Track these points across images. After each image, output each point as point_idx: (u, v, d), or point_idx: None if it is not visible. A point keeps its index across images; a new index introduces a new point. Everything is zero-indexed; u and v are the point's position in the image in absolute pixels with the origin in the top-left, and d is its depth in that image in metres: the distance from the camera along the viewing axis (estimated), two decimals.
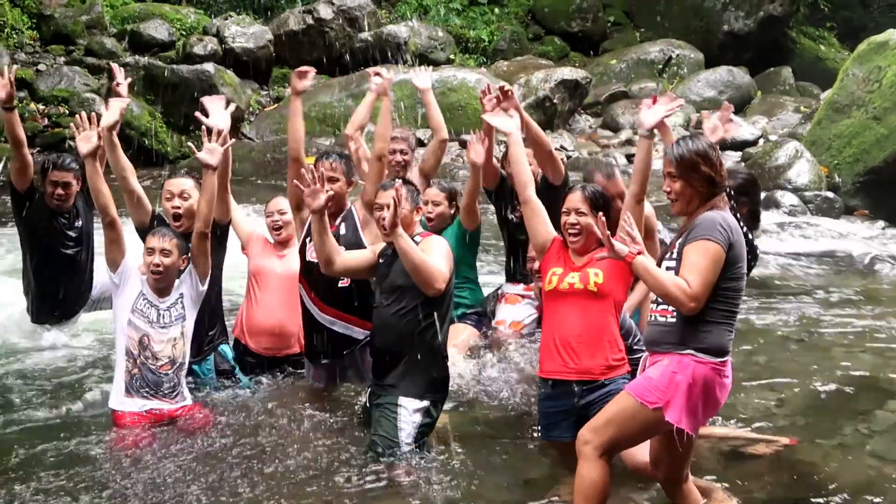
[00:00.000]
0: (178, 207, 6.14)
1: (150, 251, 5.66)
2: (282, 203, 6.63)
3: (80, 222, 7.29)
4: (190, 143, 6.89)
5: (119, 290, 5.72)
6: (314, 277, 5.96)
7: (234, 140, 6.19)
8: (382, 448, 5.18)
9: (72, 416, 6.08)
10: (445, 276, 5.20)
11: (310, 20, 18.03)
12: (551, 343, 4.98)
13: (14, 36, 17.14)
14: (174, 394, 5.68)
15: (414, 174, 7.11)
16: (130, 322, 5.62)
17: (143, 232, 6.05)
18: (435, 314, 5.22)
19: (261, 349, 6.50)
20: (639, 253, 4.46)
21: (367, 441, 5.34)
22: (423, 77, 7.35)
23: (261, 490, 5.08)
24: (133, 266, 5.77)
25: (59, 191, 7.07)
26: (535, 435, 5.55)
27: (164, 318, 5.66)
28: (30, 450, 5.51)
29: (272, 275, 6.53)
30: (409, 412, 5.20)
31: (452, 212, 6.91)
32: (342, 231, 6.03)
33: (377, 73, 6.80)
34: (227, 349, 6.41)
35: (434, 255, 5.24)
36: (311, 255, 5.92)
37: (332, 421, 5.88)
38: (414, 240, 5.26)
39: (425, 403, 5.24)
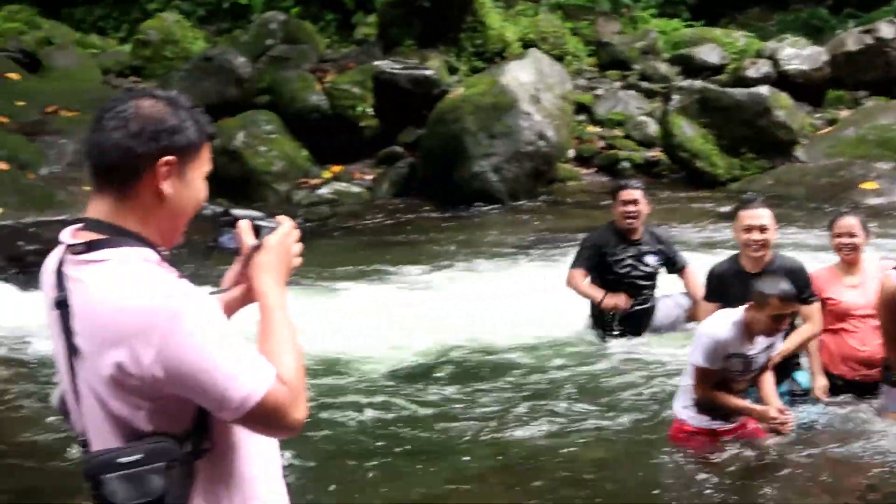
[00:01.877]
0: (759, 240, 6.06)
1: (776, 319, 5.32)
2: (852, 222, 6.36)
3: (652, 258, 7.59)
4: None
5: None
6: None
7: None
8: None
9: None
10: None
11: (869, 40, 17.23)
12: None
13: (574, 62, 18.17)
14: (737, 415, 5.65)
15: None
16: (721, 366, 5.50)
17: None
18: None
19: (856, 376, 6.26)
20: None
21: None
22: None
23: None
24: None
25: (630, 208, 7.48)
26: None
27: (753, 363, 5.51)
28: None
29: (851, 307, 6.26)
30: None
31: None
32: None
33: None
34: (801, 376, 6.27)
35: None
36: None
37: None
38: None
39: None
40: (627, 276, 7.58)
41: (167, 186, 2.15)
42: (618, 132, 16.13)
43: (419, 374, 7.44)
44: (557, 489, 5.47)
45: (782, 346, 5.72)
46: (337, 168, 15.07)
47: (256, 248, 2.28)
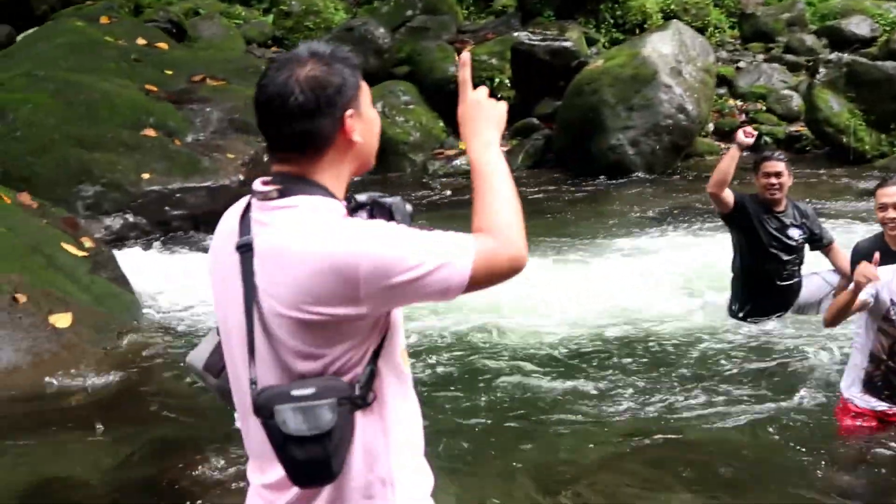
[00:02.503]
0: (895, 218, 5.91)
1: None
2: None
3: (797, 232, 7.40)
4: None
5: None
6: None
7: None
8: None
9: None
10: None
11: None
12: None
13: (717, 34, 17.79)
14: None
15: None
16: (881, 329, 5.23)
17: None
18: None
19: None
20: None
21: None
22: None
23: None
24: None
25: (772, 180, 7.31)
26: None
27: None
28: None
29: None
30: None
31: None
32: None
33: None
34: None
35: None
36: None
37: None
38: None
39: None
40: (770, 246, 7.42)
41: (356, 135, 2.27)
42: (760, 106, 15.77)
43: (557, 350, 7.38)
44: (696, 473, 5.37)
45: None
46: None
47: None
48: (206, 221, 10.31)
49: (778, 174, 7.34)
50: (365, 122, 2.30)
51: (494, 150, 2.36)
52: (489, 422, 6.06)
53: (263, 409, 2.15)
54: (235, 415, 2.41)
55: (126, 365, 7.02)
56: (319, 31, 17.23)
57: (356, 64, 2.30)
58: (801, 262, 7.54)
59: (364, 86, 2.32)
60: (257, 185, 2.28)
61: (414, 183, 13.77)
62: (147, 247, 10.03)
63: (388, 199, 2.39)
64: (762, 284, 7.51)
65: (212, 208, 10.14)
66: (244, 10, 19.39)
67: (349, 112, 2.24)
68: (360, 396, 2.20)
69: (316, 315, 2.14)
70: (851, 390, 5.45)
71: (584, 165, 13.77)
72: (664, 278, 8.83)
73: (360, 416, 2.22)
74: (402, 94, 15.11)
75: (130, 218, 10.39)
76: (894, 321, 5.18)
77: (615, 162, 13.67)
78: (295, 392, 2.14)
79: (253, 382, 2.22)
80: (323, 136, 2.23)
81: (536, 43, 15.36)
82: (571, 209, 12.01)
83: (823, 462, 5.44)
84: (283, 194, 2.23)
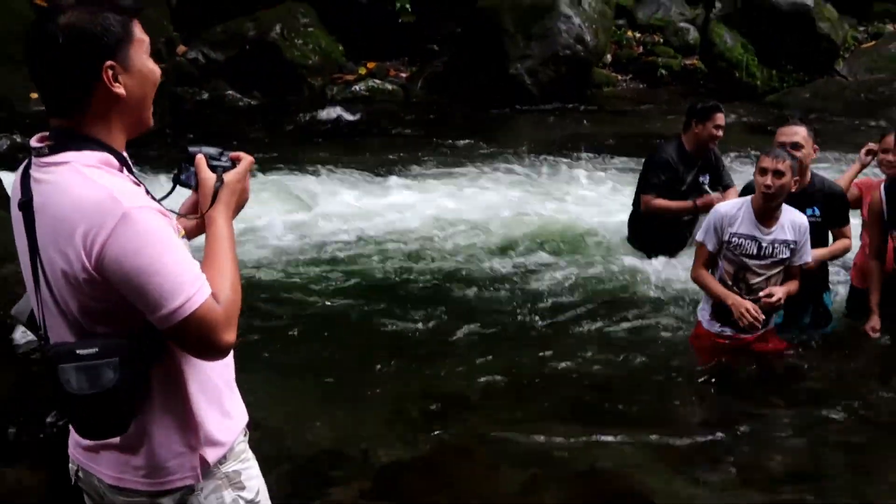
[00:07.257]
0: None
1: (762, 171, 5.34)
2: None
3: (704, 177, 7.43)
4: None
5: None
6: None
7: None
8: None
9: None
10: None
11: None
12: None
13: None
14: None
15: None
16: (726, 257, 5.54)
17: None
18: None
19: None
20: None
21: None
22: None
23: None
24: None
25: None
26: None
27: (765, 251, 5.51)
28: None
29: None
30: None
31: None
32: None
33: None
34: (826, 297, 6.30)
35: None
36: None
37: None
38: None
39: None
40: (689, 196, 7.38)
41: (118, 88, 2.22)
42: (657, 38, 15.93)
43: (440, 281, 7.46)
44: (554, 402, 5.55)
45: (816, 252, 5.77)
46: (372, 64, 15.00)
47: (219, 186, 2.36)
48: None
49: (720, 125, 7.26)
50: (134, 76, 2.25)
51: (230, 225, 2.37)
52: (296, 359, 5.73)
53: (50, 367, 2.19)
54: None
55: None
56: None
57: (128, 13, 2.25)
58: None
59: (138, 36, 2.26)
60: (33, 141, 2.27)
61: (312, 107, 13.61)
62: None
63: (220, 163, 2.40)
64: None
65: None
66: None
67: (109, 63, 2.20)
68: (150, 351, 2.23)
69: (78, 269, 2.15)
70: (702, 313, 5.81)
71: (482, 93, 13.74)
72: (551, 212, 8.96)
73: (156, 369, 2.26)
74: (302, 16, 14.85)
75: (18, 139, 10.12)
76: (735, 251, 5.46)
77: (512, 91, 13.70)
78: (79, 351, 2.16)
79: (44, 338, 2.27)
80: (79, 87, 2.19)
81: None
82: (465, 137, 11.98)
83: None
84: (54, 150, 2.21)
